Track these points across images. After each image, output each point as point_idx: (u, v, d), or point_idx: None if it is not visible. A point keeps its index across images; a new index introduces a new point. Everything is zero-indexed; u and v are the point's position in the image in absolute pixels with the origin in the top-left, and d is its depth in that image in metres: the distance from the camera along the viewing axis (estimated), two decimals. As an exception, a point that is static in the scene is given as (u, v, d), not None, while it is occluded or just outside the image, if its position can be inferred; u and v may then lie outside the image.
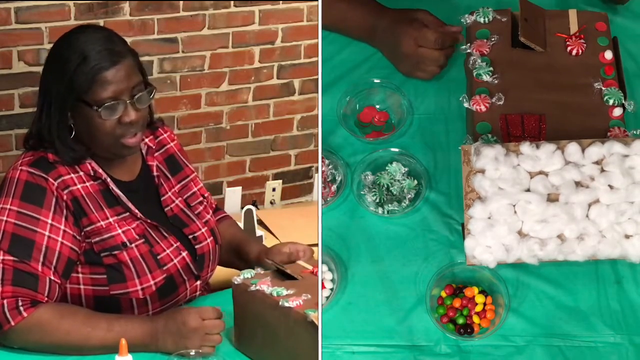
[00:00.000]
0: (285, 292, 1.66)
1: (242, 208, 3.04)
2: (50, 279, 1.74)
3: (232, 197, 3.24)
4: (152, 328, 1.73)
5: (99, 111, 1.75)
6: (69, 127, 1.80)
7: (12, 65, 2.76)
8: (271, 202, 3.37)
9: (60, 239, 1.76)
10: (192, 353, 1.69)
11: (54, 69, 1.80)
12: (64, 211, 1.77)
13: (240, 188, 3.28)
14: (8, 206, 1.76)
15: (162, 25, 2.98)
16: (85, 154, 1.82)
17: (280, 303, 1.63)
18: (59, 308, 1.75)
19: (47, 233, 1.75)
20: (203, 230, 1.95)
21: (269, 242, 3.00)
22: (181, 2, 2.98)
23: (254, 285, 1.70)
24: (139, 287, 1.81)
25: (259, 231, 3.01)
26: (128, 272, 1.81)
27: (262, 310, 1.68)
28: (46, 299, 1.73)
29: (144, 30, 2.94)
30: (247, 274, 1.75)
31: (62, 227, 1.77)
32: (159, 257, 1.85)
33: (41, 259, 1.73)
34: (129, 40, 1.92)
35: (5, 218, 1.75)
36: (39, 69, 1.85)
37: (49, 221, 1.76)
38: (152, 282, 1.82)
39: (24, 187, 1.76)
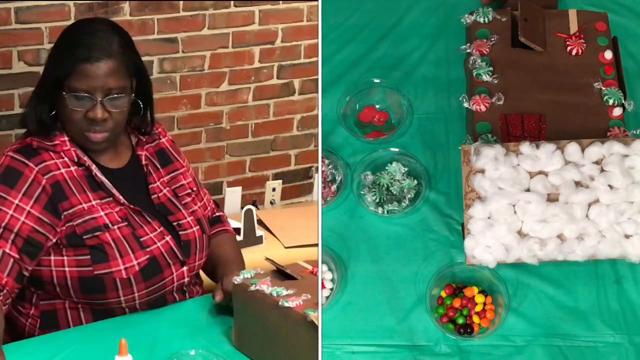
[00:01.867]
0: (285, 292, 1.66)
1: (242, 208, 3.04)
2: (4, 251, 1.76)
3: (232, 197, 3.23)
4: None
5: (66, 98, 1.82)
6: (50, 103, 1.86)
7: (12, 65, 2.76)
8: (271, 202, 3.36)
9: (22, 218, 1.79)
10: (192, 353, 1.70)
11: (54, 47, 1.88)
12: (36, 194, 1.81)
13: (240, 188, 3.28)
14: None
15: (162, 25, 2.97)
16: (55, 129, 1.86)
17: (280, 303, 1.63)
18: None
19: (10, 212, 1.79)
20: (189, 219, 1.97)
21: (269, 242, 3.00)
22: (181, 2, 2.98)
23: (253, 285, 1.70)
24: (122, 267, 1.84)
25: (259, 231, 3.01)
26: (111, 252, 1.83)
27: (262, 310, 1.68)
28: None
29: (144, 30, 2.94)
30: (247, 274, 1.75)
31: (28, 208, 1.80)
32: (141, 239, 1.87)
33: None
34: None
35: None
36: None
37: (16, 202, 1.80)
38: (134, 262, 1.85)
39: (4, 171, 1.83)
